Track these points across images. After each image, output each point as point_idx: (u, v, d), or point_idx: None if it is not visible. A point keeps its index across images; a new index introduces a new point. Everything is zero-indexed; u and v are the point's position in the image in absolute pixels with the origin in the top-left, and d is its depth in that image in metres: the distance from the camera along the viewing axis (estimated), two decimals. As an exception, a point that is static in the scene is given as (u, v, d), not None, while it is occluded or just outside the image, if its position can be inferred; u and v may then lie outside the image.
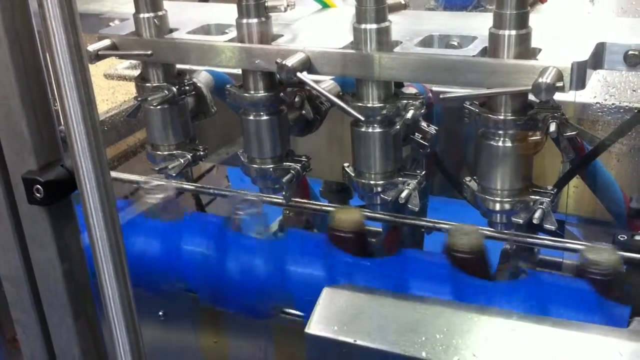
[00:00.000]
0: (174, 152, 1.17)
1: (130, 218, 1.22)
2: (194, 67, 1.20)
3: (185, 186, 1.36)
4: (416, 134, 1.03)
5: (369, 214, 1.10)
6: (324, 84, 1.04)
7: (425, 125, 1.03)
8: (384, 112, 0.97)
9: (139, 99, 1.14)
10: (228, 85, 1.09)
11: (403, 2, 1.11)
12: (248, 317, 1.15)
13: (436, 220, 1.13)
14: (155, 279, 1.18)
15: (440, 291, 0.96)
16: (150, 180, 1.36)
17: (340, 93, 1.03)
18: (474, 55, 0.88)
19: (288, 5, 1.00)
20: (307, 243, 1.13)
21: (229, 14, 1.07)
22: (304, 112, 1.07)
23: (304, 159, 1.11)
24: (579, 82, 0.83)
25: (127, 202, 1.28)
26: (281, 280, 1.08)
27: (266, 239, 1.16)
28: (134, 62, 1.59)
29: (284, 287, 1.08)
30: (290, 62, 0.92)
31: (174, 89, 1.12)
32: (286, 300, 1.09)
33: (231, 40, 1.02)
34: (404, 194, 0.98)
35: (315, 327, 0.86)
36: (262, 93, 1.05)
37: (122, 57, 1.17)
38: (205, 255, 1.13)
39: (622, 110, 1.16)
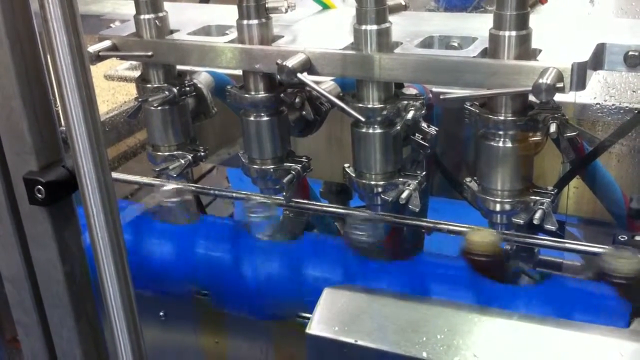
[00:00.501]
0: (175, 152, 1.17)
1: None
2: (195, 68, 1.20)
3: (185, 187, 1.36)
4: (416, 134, 1.03)
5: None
6: (324, 84, 1.04)
7: (426, 126, 1.03)
8: (385, 112, 0.97)
9: (140, 99, 1.14)
10: (228, 86, 1.09)
11: (403, 3, 1.11)
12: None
13: (437, 221, 1.13)
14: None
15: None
16: (150, 181, 1.35)
17: (341, 94, 1.04)
18: (474, 56, 0.88)
19: (288, 7, 1.00)
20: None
21: (229, 15, 1.07)
22: (304, 112, 1.07)
23: (304, 159, 1.11)
24: (579, 82, 0.83)
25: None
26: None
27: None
28: (134, 63, 1.59)
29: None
30: (290, 63, 0.92)
31: (175, 90, 1.12)
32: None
33: (232, 41, 1.02)
34: (404, 195, 0.98)
35: (316, 327, 0.86)
36: (262, 94, 1.05)
37: (122, 58, 1.17)
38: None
39: (622, 111, 1.16)
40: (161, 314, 1.27)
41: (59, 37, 0.72)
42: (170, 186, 1.23)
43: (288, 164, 1.10)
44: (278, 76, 0.95)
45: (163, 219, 1.24)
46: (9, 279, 0.94)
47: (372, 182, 1.02)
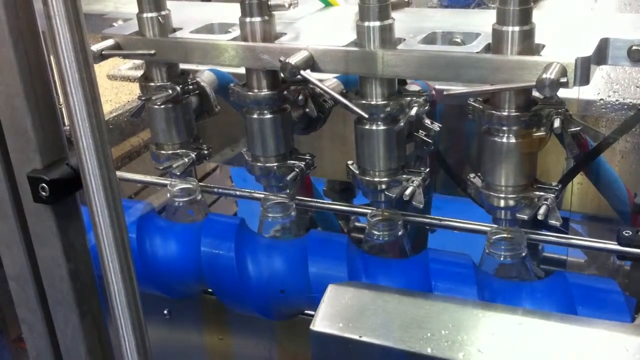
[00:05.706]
0: (178, 151, 1.17)
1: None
2: (198, 67, 1.21)
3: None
4: (420, 131, 1.03)
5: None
6: (327, 82, 1.04)
7: (429, 123, 1.03)
8: (388, 109, 0.97)
9: (143, 98, 1.14)
10: (231, 84, 1.09)
11: (406, 0, 1.11)
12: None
13: (441, 218, 1.13)
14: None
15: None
16: (154, 180, 1.35)
17: (344, 91, 1.03)
18: (477, 52, 0.88)
19: (291, 4, 1.00)
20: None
21: (232, 12, 1.07)
22: (307, 110, 1.07)
23: (307, 157, 1.11)
24: (583, 77, 0.83)
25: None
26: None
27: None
28: (137, 62, 1.60)
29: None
30: (293, 60, 0.92)
31: (178, 88, 1.12)
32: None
33: (234, 39, 1.02)
34: (408, 191, 0.98)
35: (320, 324, 0.86)
36: (265, 91, 1.05)
37: (125, 56, 1.17)
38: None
39: (625, 107, 1.16)
40: (165, 312, 1.27)
41: (62, 34, 0.72)
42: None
43: (291, 162, 1.10)
44: (281, 73, 0.95)
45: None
46: (14, 277, 0.95)
47: (376, 179, 1.02)
